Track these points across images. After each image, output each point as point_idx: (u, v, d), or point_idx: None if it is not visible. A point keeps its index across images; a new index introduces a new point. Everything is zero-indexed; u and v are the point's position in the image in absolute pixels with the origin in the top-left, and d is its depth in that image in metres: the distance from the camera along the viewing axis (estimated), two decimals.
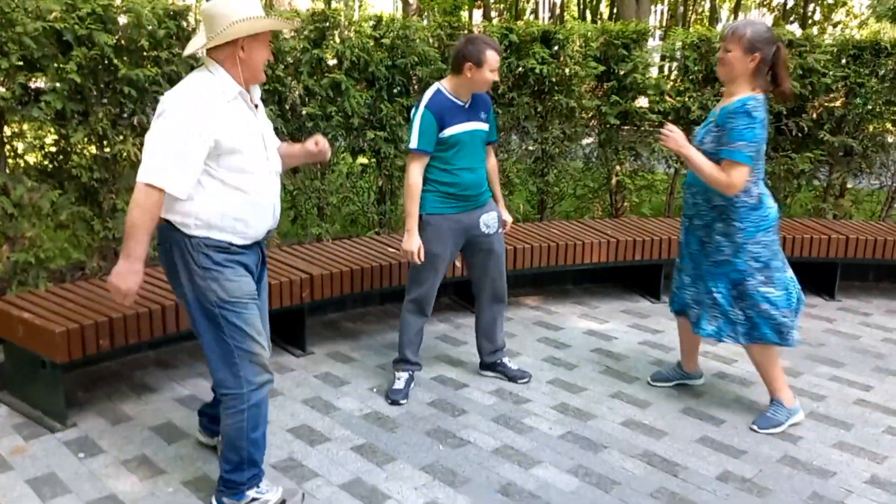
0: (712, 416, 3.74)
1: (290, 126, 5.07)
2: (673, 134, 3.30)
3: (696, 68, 6.15)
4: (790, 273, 3.59)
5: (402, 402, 3.74)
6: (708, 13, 28.33)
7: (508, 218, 4.01)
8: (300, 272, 4.24)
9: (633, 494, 3.04)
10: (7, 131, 4.16)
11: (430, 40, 5.47)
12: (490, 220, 3.81)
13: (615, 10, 18.85)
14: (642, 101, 6.35)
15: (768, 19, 27.60)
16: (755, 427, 3.59)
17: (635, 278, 5.72)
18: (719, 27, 26.61)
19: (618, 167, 6.33)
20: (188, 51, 2.71)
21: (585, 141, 6.41)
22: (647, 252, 5.33)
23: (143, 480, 3.03)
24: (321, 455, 3.27)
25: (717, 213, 3.44)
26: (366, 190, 5.71)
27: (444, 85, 3.64)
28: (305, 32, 5.01)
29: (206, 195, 2.56)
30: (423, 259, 3.67)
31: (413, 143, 3.58)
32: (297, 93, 4.98)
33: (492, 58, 3.52)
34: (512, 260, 4.92)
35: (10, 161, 4.20)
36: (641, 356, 4.49)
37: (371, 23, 5.31)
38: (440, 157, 3.64)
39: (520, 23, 5.98)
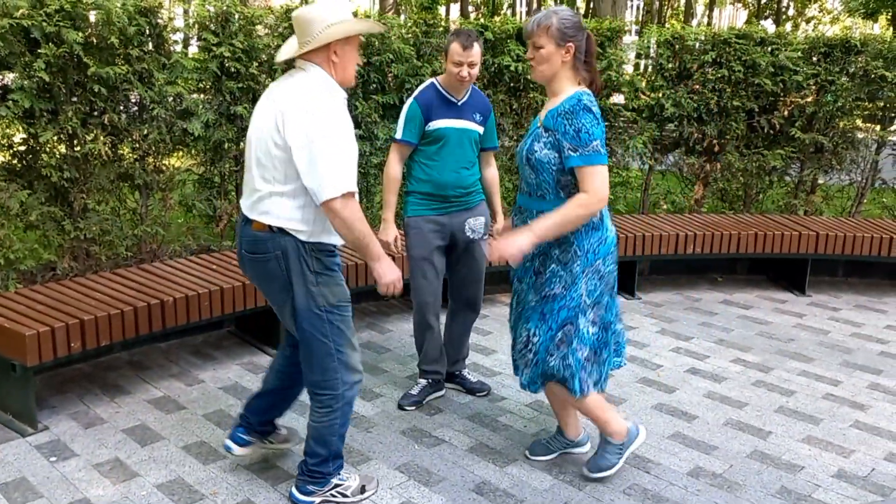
0: (684, 413, 3.78)
1: None
2: (500, 248, 2.72)
3: (669, 66, 6.20)
4: (619, 325, 3.08)
5: (407, 407, 3.71)
6: (683, 9, 28.51)
7: (500, 224, 3.87)
8: None
9: (606, 491, 3.07)
10: None
11: (406, 37, 5.45)
12: (477, 224, 3.70)
13: (591, 6, 18.92)
14: (617, 98, 6.39)
15: (742, 15, 27.85)
16: (587, 472, 3.13)
17: None
18: (694, 23, 26.81)
19: None
20: (280, 57, 2.71)
21: None
22: (622, 249, 5.36)
23: (116, 484, 3.01)
24: (296, 456, 3.26)
25: (553, 239, 2.83)
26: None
27: (439, 79, 3.61)
28: (280, 29, 4.98)
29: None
30: (399, 249, 3.66)
31: (397, 134, 3.57)
32: None
33: (453, 49, 3.44)
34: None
35: None
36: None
37: None
38: (424, 152, 3.59)
39: (495, 19, 5.98)
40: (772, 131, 6.35)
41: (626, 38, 6.89)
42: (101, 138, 4.31)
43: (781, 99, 6.32)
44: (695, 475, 3.21)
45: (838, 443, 3.52)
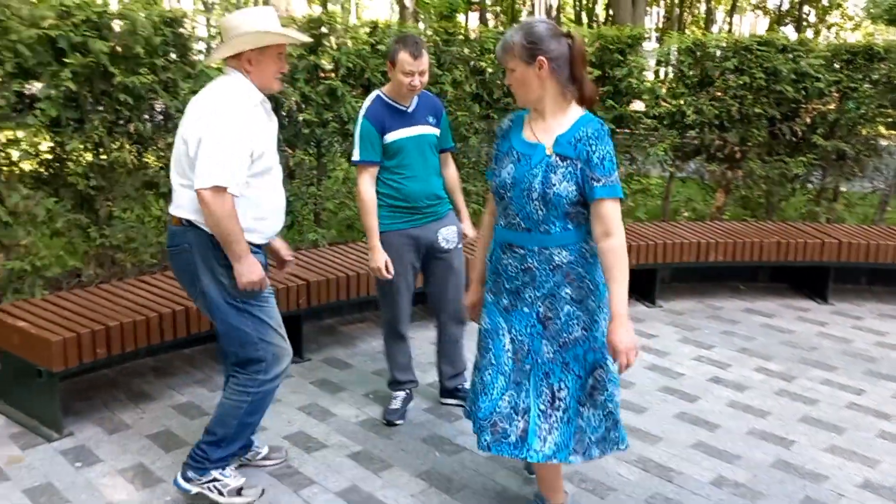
0: (706, 422, 3.76)
1: (286, 132, 5.08)
2: (622, 351, 2.39)
3: (690, 73, 6.18)
4: None
5: (397, 422, 3.65)
6: (704, 16, 28.41)
7: (471, 232, 3.71)
8: (296, 278, 4.25)
9: (628, 500, 3.06)
10: (2, 138, 4.17)
11: (427, 45, 5.48)
12: (449, 234, 3.56)
13: (611, 13, 18.91)
14: (638, 106, 6.38)
15: (764, 22, 27.69)
16: None
17: (630, 283, 5.70)
18: (714, 29, 26.69)
19: None
20: (207, 61, 2.83)
21: None
22: (643, 256, 5.35)
23: (139, 490, 3.04)
24: (318, 462, 3.28)
25: (562, 275, 2.50)
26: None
27: (384, 90, 3.48)
28: (299, 43, 5.02)
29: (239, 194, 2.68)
30: (392, 273, 3.47)
31: (355, 156, 3.44)
32: (293, 99, 4.99)
33: (402, 58, 3.30)
34: None
35: (4, 169, 4.20)
36: (637, 361, 4.48)
37: (367, 29, 5.32)
38: (386, 167, 3.45)
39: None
40: (794, 138, 6.31)
41: (647, 45, 6.89)
42: (127, 147, 4.37)
43: (803, 106, 6.29)
44: (717, 484, 3.19)
45: (863, 452, 3.49)
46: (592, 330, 2.55)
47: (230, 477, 2.94)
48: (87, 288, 4.02)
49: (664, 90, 6.33)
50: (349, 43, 5.18)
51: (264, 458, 3.22)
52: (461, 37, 5.65)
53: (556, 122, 2.46)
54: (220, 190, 2.56)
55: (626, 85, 6.02)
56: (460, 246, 3.66)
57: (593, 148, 2.39)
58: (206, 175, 2.56)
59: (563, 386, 2.57)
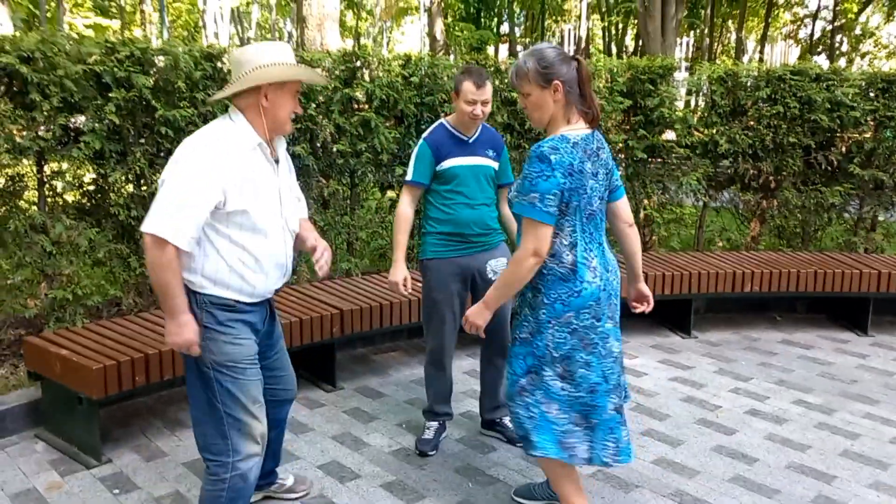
0: (745, 455, 3.69)
1: (321, 163, 5.16)
2: (467, 321, 2.83)
3: (723, 102, 6.17)
4: (612, 381, 2.77)
5: (430, 452, 3.64)
6: (734, 45, 28.36)
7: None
8: (330, 307, 4.29)
9: None
10: (47, 170, 4.29)
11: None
12: (498, 265, 3.56)
13: (641, 43, 18.97)
14: (670, 135, 6.37)
15: (795, 52, 27.56)
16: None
17: (665, 313, 5.69)
18: (745, 59, 26.59)
19: (645, 201, 6.34)
20: (215, 97, 2.63)
21: None
22: (677, 286, 5.30)
23: None
24: (351, 492, 3.28)
25: (531, 283, 2.75)
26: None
27: (448, 119, 3.58)
28: (337, 72, 5.12)
29: (214, 251, 2.47)
30: (409, 289, 3.54)
31: (407, 175, 3.55)
32: (328, 130, 5.07)
33: (466, 88, 3.39)
34: None
35: (49, 200, 4.32)
36: (672, 392, 4.45)
37: (400, 61, 5.41)
38: (438, 192, 3.53)
39: None
40: (829, 168, 6.24)
41: (677, 75, 6.89)
42: None
43: (838, 135, 6.22)
44: None
45: None
46: (536, 337, 2.74)
47: None
48: (126, 316, 4.10)
49: (696, 119, 6.31)
50: (382, 75, 5.26)
51: (288, 490, 3.18)
52: (492, 68, 5.70)
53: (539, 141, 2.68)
54: (160, 241, 2.33)
55: (658, 115, 6.02)
56: None
57: (527, 167, 2.60)
58: (151, 221, 2.34)
59: (510, 373, 2.87)
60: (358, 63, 5.20)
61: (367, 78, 5.27)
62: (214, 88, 4.59)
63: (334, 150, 5.13)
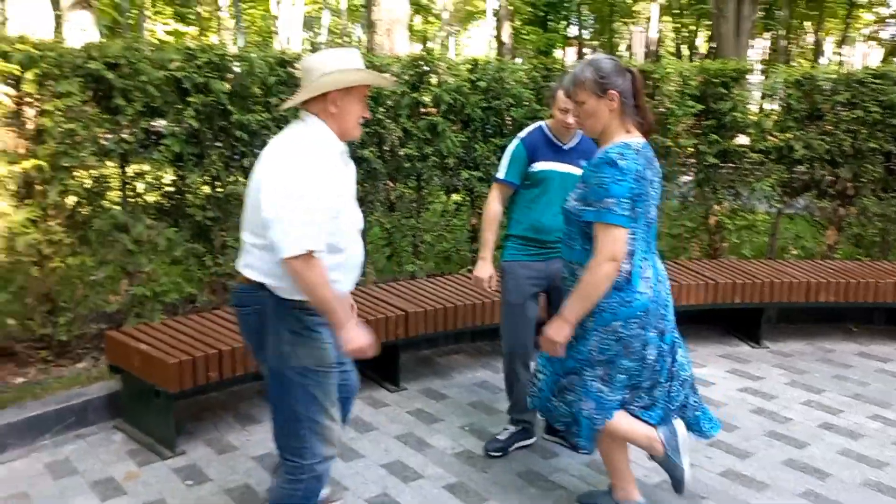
0: (817, 470, 3.58)
1: (388, 167, 5.24)
2: (544, 345, 2.84)
3: (799, 106, 5.99)
4: (657, 391, 2.88)
5: (493, 454, 3.63)
6: (812, 47, 27.48)
7: None
8: (395, 309, 4.35)
9: None
10: (129, 172, 4.48)
11: (525, 82, 5.55)
12: None
13: (713, 46, 18.56)
14: (743, 140, 6.23)
15: (877, 54, 26.51)
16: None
17: (735, 321, 5.56)
18: (823, 61, 25.70)
19: (716, 206, 6.21)
20: (286, 104, 2.64)
21: (682, 179, 6.33)
22: (748, 295, 5.18)
23: None
24: (414, 492, 3.32)
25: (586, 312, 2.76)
26: (459, 228, 5.81)
27: (548, 122, 3.58)
28: (405, 76, 5.19)
29: None
30: (493, 287, 3.60)
31: (499, 174, 3.58)
32: (395, 134, 5.15)
33: (558, 96, 3.42)
34: None
35: (130, 200, 4.51)
36: (741, 403, 4.35)
37: (468, 66, 5.45)
38: (525, 194, 3.55)
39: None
40: None
41: (751, 78, 6.74)
42: (241, 180, 4.61)
43: None
44: None
45: None
46: (579, 342, 2.79)
47: None
48: (201, 313, 4.24)
49: (770, 123, 6.15)
50: (450, 80, 5.30)
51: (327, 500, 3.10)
52: (561, 72, 5.68)
53: (601, 150, 2.72)
54: (308, 257, 2.35)
55: (731, 119, 5.89)
56: None
57: (595, 174, 2.64)
58: (291, 243, 2.34)
59: (543, 371, 2.97)
60: (426, 67, 5.26)
61: (434, 82, 5.32)
62: (287, 93, 4.71)
63: (401, 153, 5.20)
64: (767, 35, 29.00)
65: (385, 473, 3.48)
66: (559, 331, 2.75)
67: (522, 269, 3.55)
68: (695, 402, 3.02)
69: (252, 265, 2.54)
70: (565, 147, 3.53)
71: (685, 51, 30.86)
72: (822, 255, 6.35)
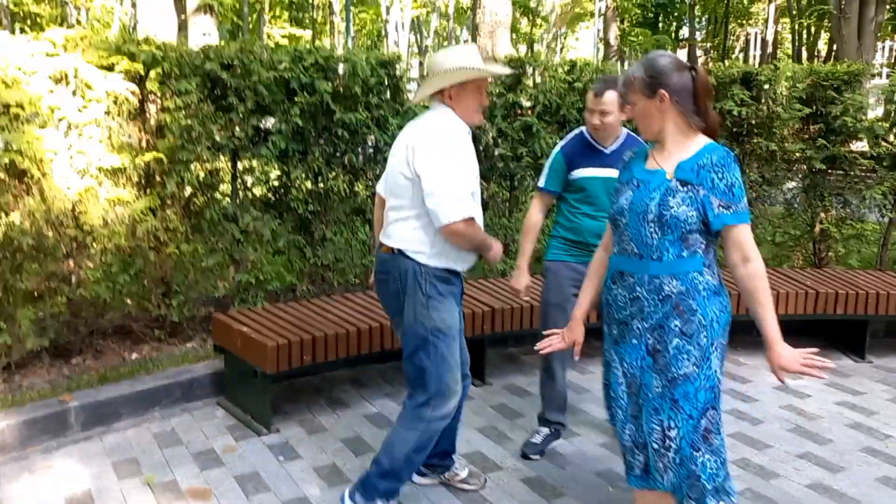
0: None
1: (482, 166, 5.31)
2: (786, 367, 2.37)
3: None
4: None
5: (532, 456, 3.64)
6: None
7: None
8: (483, 305, 4.44)
9: None
10: (240, 167, 4.77)
11: None
12: None
13: (834, 48, 17.66)
14: (855, 146, 5.97)
15: None
16: None
17: (838, 334, 5.34)
18: None
19: (822, 214, 5.97)
20: (415, 99, 3.04)
21: (788, 185, 6.12)
22: (851, 306, 4.97)
23: (332, 487, 3.33)
24: (492, 482, 3.40)
25: (671, 306, 2.43)
26: (550, 228, 5.83)
27: (587, 127, 3.56)
28: (502, 78, 5.28)
29: None
30: (528, 296, 3.65)
31: (540, 182, 3.63)
32: (490, 135, 5.24)
33: (588, 97, 3.47)
34: None
35: (240, 193, 4.80)
36: (837, 417, 4.20)
37: (566, 67, 5.48)
38: (567, 199, 3.59)
39: (719, 63, 5.87)
40: None
41: (877, 81, 6.44)
42: (341, 176, 4.82)
43: None
44: None
45: None
46: (703, 368, 2.42)
47: None
48: (300, 301, 4.47)
49: (886, 129, 5.86)
50: (547, 81, 5.35)
51: (462, 481, 3.33)
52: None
53: (678, 150, 2.46)
54: (468, 221, 2.77)
55: (841, 123, 5.66)
56: None
57: (720, 175, 2.37)
58: (456, 210, 2.74)
59: (672, 425, 2.45)
60: (526, 69, 5.33)
61: (531, 84, 5.39)
62: (387, 94, 4.89)
63: (496, 153, 5.29)
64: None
65: (465, 463, 3.57)
66: (790, 349, 2.36)
67: (566, 270, 3.57)
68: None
69: (393, 235, 2.92)
70: (607, 151, 3.51)
71: (805, 53, 29.48)
72: None
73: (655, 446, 2.49)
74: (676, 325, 2.42)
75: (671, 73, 2.43)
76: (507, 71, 3.19)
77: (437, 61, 2.86)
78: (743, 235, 2.38)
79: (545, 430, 3.77)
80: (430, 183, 2.75)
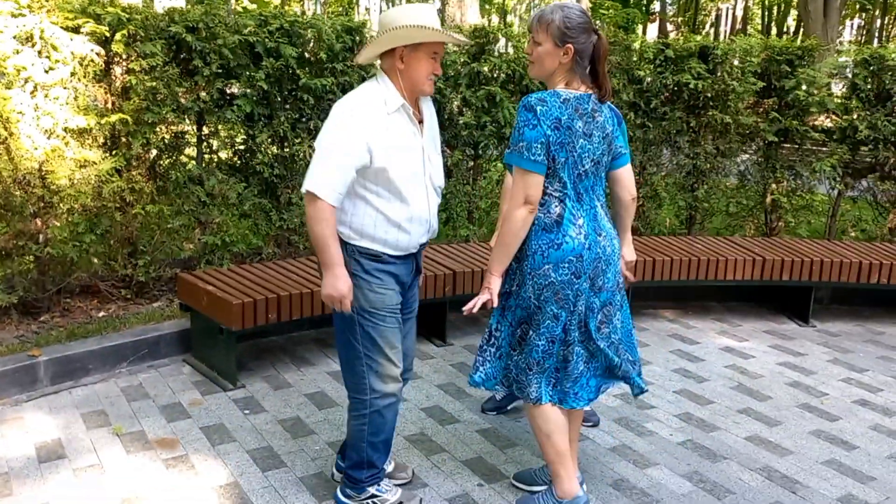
0: (845, 442, 3.67)
1: (446, 134, 5.45)
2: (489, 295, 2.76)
3: (867, 86, 5.91)
4: (572, 336, 2.76)
5: (489, 412, 3.78)
6: None
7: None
8: (444, 268, 4.58)
9: None
10: (205, 130, 4.82)
11: None
12: None
13: (802, 25, 17.92)
14: (818, 119, 6.19)
15: None
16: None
17: (784, 300, 5.59)
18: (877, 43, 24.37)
19: (774, 186, 6.20)
20: (357, 59, 2.74)
21: (741, 157, 6.33)
22: (797, 272, 5.21)
23: (295, 438, 3.47)
24: (449, 434, 3.57)
25: (508, 260, 2.77)
26: None
27: None
28: (467, 48, 5.38)
29: (363, 206, 2.64)
30: None
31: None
32: (455, 103, 5.35)
33: None
34: (651, 272, 5.00)
35: (206, 156, 4.87)
36: (778, 376, 4.43)
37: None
38: None
39: (677, 37, 6.02)
40: None
41: (842, 59, 6.66)
42: (307, 142, 4.91)
43: None
44: (845, 501, 3.14)
45: None
46: (522, 289, 2.76)
47: (387, 492, 2.94)
48: (265, 263, 4.57)
49: (834, 104, 6.07)
50: (511, 51, 5.46)
51: (388, 476, 3.14)
52: (622, 46, 5.76)
53: None
54: (312, 196, 2.53)
55: (794, 97, 5.86)
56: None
57: (516, 118, 2.63)
58: (308, 180, 2.55)
59: (499, 328, 2.87)
60: (487, 39, 5.43)
61: (495, 53, 5.49)
62: (353, 59, 4.96)
63: (460, 122, 5.40)
64: (863, 15, 27.75)
65: (424, 416, 3.74)
66: (490, 282, 2.74)
67: None
68: (629, 361, 2.94)
69: None
70: None
71: (774, 29, 29.81)
72: (882, 238, 6.27)
73: (481, 342, 2.93)
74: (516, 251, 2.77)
75: (582, 32, 2.60)
76: (462, 39, 2.83)
77: (391, 18, 2.57)
78: (514, 175, 2.65)
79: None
80: (316, 149, 2.61)
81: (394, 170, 2.61)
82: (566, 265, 2.67)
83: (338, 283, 2.61)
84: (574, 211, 2.68)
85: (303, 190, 2.57)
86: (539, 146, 2.56)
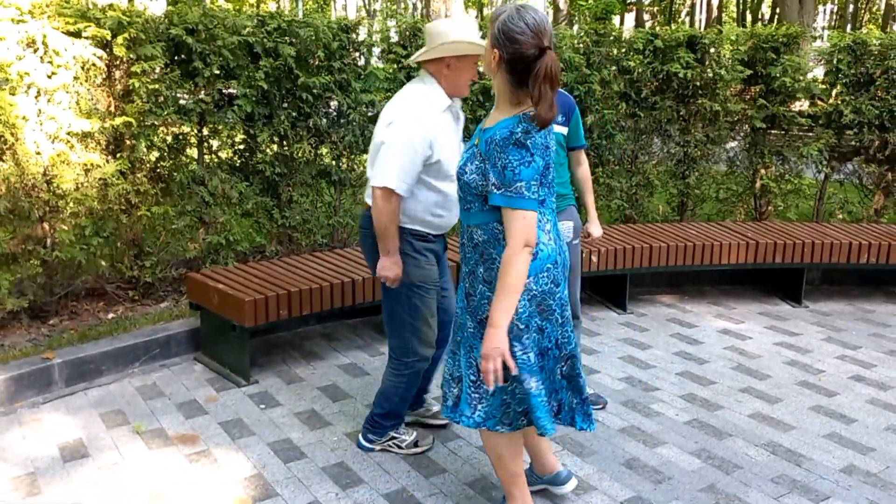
0: (843, 416, 3.80)
1: None
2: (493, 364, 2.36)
3: (850, 72, 6.05)
4: (565, 349, 2.59)
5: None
6: (882, 12, 26.54)
7: (596, 231, 3.72)
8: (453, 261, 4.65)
9: (753, 478, 3.21)
10: (205, 131, 4.87)
11: (577, 47, 5.75)
12: (565, 229, 3.52)
13: (777, 11, 18.14)
14: (803, 105, 6.32)
15: None
16: None
17: (776, 282, 5.73)
18: None
19: (763, 171, 6.33)
20: (412, 59, 3.10)
21: (730, 144, 6.45)
22: (789, 255, 5.34)
23: (312, 430, 3.54)
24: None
25: (478, 255, 2.51)
26: None
27: None
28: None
29: (414, 193, 3.00)
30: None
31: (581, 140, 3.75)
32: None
33: None
34: (648, 258, 5.12)
35: (206, 156, 4.91)
36: (776, 356, 4.56)
37: None
38: None
39: (666, 28, 6.13)
40: None
41: (818, 44, 6.78)
42: (306, 140, 4.96)
43: None
44: (847, 472, 3.27)
45: None
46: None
47: (405, 434, 3.37)
48: (269, 261, 4.63)
49: (820, 88, 6.21)
50: None
51: (433, 416, 3.59)
52: (612, 38, 5.86)
53: (496, 114, 2.44)
54: (388, 191, 2.89)
55: (780, 84, 5.99)
56: (576, 242, 3.63)
57: (498, 154, 2.33)
58: (381, 175, 2.89)
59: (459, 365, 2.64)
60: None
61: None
62: (348, 58, 5.02)
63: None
64: (836, 1, 28.08)
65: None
66: (496, 340, 2.35)
67: None
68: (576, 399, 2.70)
69: (370, 195, 3.06)
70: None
71: (749, 17, 30.10)
72: (868, 219, 6.43)
73: (472, 378, 2.58)
74: (481, 273, 2.51)
75: (513, 42, 2.30)
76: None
77: (440, 30, 2.94)
78: (508, 217, 2.35)
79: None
80: (377, 150, 2.94)
81: (444, 161, 3.00)
82: (545, 274, 2.47)
83: (394, 267, 3.03)
84: (541, 216, 2.46)
85: (377, 184, 2.89)
86: (535, 183, 2.36)
